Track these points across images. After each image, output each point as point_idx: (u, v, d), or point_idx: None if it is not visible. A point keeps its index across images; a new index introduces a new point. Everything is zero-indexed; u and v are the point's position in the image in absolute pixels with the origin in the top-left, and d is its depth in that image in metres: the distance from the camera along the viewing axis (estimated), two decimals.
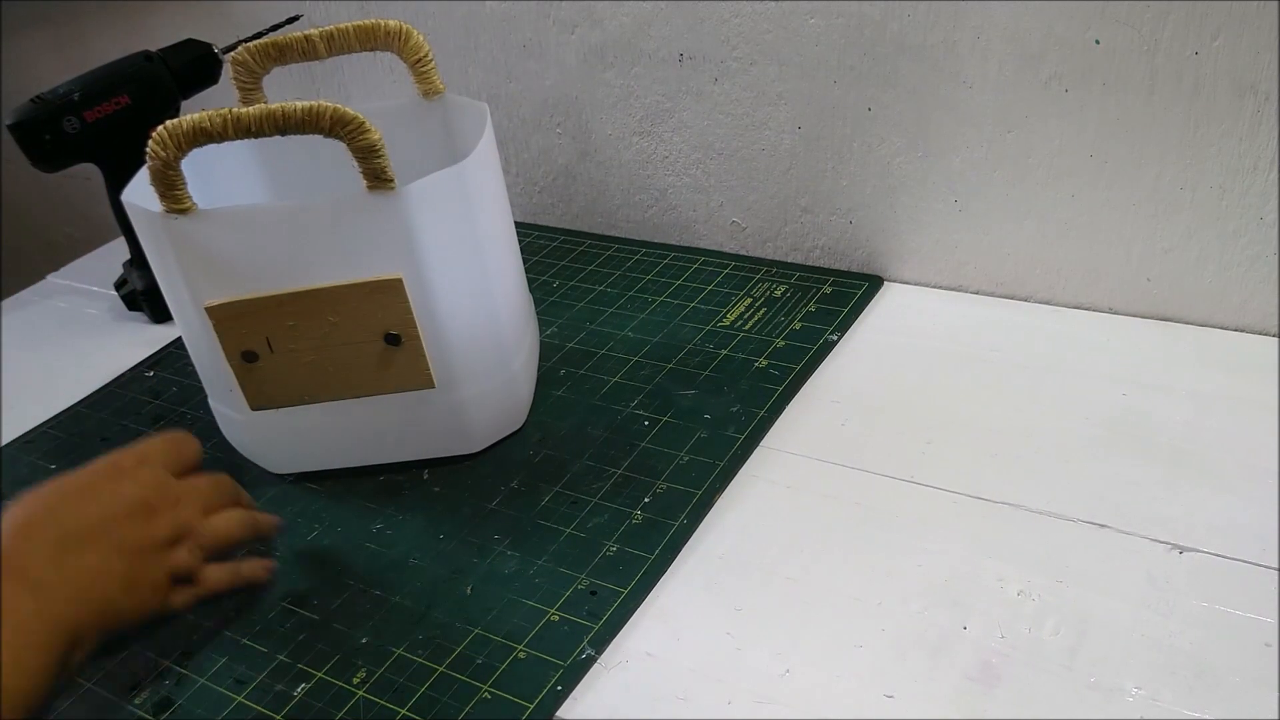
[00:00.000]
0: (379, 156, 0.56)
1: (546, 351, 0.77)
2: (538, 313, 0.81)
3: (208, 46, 0.86)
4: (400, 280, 0.59)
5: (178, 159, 0.56)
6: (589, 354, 0.76)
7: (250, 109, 0.55)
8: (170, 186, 0.57)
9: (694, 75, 0.82)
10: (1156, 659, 0.48)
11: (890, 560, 0.56)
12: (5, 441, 0.78)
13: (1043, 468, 0.60)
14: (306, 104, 0.55)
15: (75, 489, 0.51)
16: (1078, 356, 0.69)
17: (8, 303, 1.00)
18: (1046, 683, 0.48)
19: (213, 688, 0.54)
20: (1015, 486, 0.59)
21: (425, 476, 0.67)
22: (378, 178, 0.57)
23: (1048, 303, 0.75)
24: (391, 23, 0.67)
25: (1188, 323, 0.71)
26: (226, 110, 0.55)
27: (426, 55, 0.68)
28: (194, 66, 0.86)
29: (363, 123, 0.55)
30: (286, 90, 0.97)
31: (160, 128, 0.55)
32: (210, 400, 0.69)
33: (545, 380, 0.74)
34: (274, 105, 0.55)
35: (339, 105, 0.55)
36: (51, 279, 1.05)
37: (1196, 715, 0.45)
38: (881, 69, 0.73)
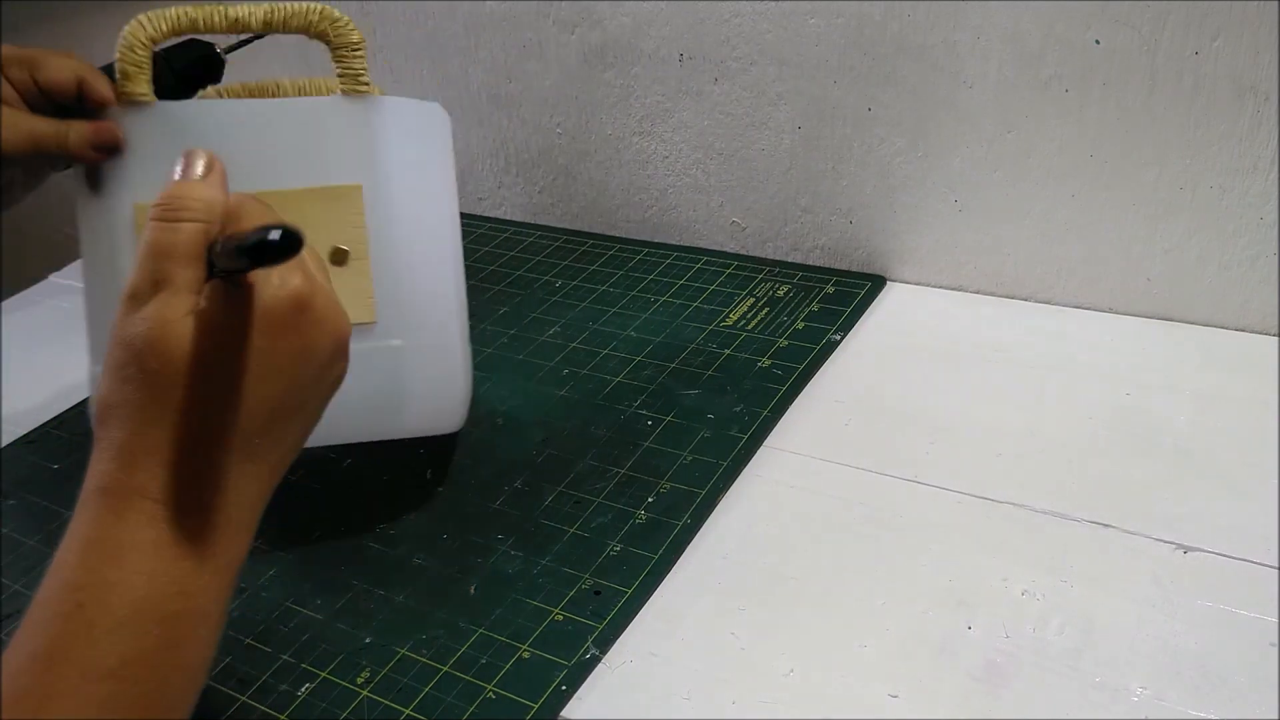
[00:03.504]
0: (359, 56, 0.57)
1: (550, 351, 0.77)
2: (541, 313, 0.81)
3: (210, 46, 0.86)
4: (359, 188, 0.58)
5: (155, 43, 0.57)
6: (592, 354, 0.76)
7: (243, 5, 0.57)
8: (138, 68, 0.57)
9: (694, 75, 0.82)
10: (1161, 659, 0.48)
11: (894, 560, 0.56)
12: (7, 442, 0.78)
13: (1046, 467, 0.60)
14: (296, 3, 0.57)
15: None
16: (1079, 356, 0.69)
17: (8, 303, 1.00)
18: (1051, 683, 0.48)
19: (217, 688, 0.54)
20: (1019, 486, 0.59)
21: (429, 476, 0.67)
22: (355, 79, 0.58)
23: (1048, 303, 0.75)
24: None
25: (1188, 323, 0.71)
26: (218, 4, 0.57)
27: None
28: (197, 66, 0.85)
29: (348, 21, 0.57)
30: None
31: (143, 14, 0.56)
32: None
33: (548, 380, 0.74)
34: (266, 3, 0.57)
35: (328, 5, 0.57)
36: (52, 279, 1.04)
37: (1201, 715, 0.46)
38: (881, 69, 0.73)
